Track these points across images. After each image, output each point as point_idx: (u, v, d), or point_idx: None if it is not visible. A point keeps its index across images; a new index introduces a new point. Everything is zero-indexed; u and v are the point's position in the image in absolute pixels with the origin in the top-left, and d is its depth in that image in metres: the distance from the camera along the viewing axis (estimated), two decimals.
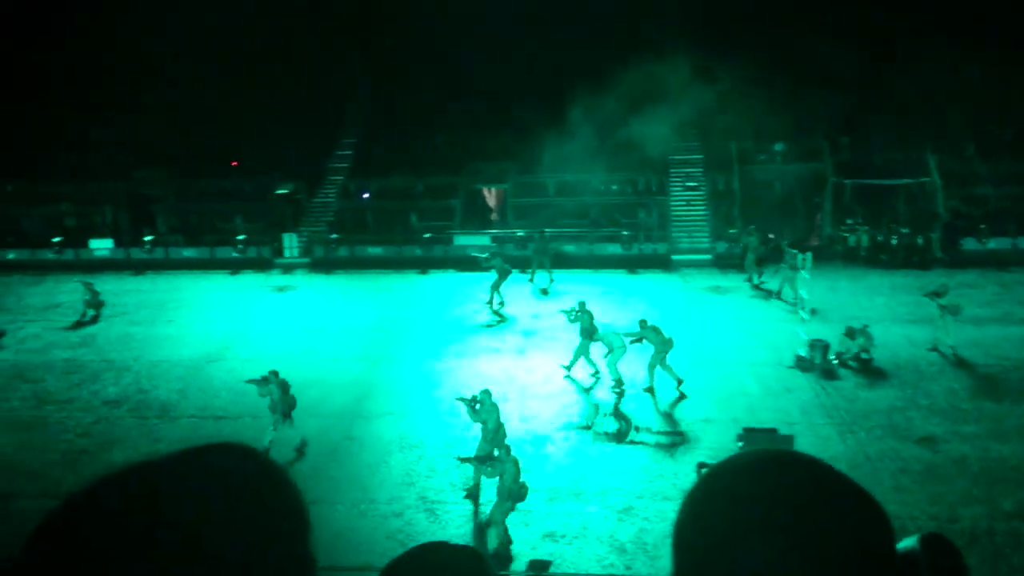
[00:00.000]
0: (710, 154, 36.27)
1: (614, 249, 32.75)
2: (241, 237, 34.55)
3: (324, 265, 33.06)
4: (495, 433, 14.99)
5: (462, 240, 33.47)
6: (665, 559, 12.28)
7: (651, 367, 19.23)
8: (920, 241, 31.40)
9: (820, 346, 20.27)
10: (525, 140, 34.20)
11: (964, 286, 26.01)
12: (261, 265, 33.56)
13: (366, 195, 36.50)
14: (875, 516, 1.12)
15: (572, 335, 23.46)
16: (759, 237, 29.44)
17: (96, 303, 26.65)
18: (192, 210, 37.04)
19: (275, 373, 16.89)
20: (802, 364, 20.21)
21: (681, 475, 15.14)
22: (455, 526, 14.11)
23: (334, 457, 16.39)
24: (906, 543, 1.15)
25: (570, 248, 32.32)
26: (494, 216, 37.29)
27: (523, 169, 35.85)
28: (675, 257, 32.35)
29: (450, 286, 29.75)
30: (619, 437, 17.06)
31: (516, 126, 34.95)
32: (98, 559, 0.98)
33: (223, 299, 28.77)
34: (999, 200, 32.98)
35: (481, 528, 13.86)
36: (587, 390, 19.76)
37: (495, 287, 26.55)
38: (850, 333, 20.50)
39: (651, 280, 30.08)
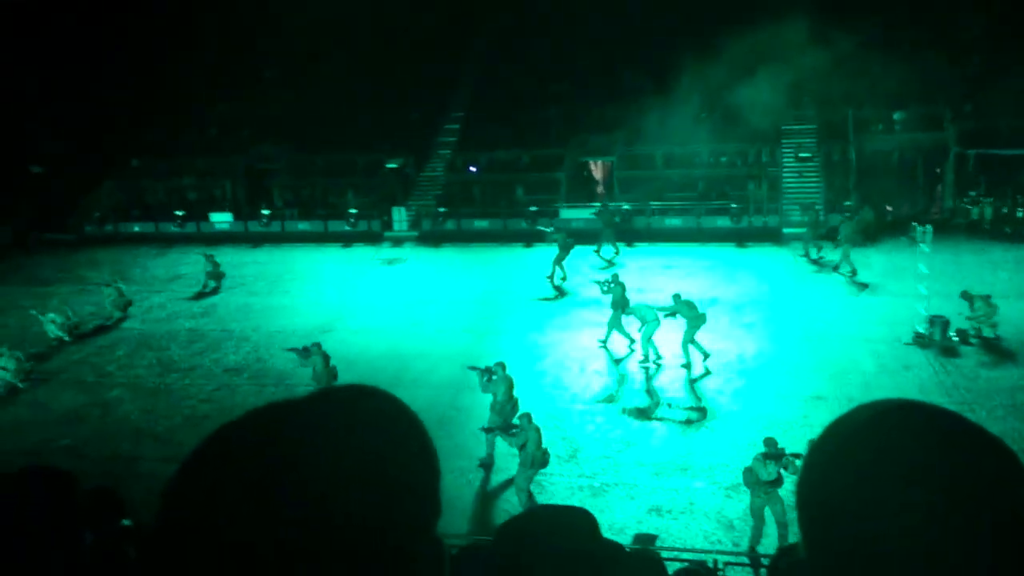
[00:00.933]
0: (824, 123, 35.02)
1: (723, 222, 32.13)
2: (352, 211, 35.40)
3: (432, 238, 33.58)
4: (503, 406, 15.07)
5: (568, 213, 33.41)
6: (772, 537, 12.11)
7: (685, 343, 19.02)
8: None
9: (940, 322, 19.49)
10: (632, 111, 33.80)
11: None
12: (371, 238, 34.32)
13: (473, 168, 36.79)
14: (1010, 463, 1.04)
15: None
16: (874, 208, 28.39)
17: (217, 275, 27.80)
18: (306, 184, 38.10)
19: (318, 345, 17.36)
20: (920, 341, 19.48)
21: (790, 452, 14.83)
22: (560, 498, 14.24)
23: (441, 426, 16.71)
24: None
25: (675, 221, 31.93)
26: (600, 189, 37.08)
27: (630, 141, 35.44)
28: (786, 231, 31.48)
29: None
30: (645, 413, 16.89)
31: (623, 97, 34.56)
32: (245, 488, 0.97)
33: (335, 271, 29.58)
34: None
35: (595, 495, 13.95)
36: (617, 362, 19.78)
37: (557, 261, 26.56)
38: (967, 296, 19.66)
39: (760, 254, 29.42)
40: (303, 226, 35.64)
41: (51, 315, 23.15)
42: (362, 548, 0.98)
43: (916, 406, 1.13)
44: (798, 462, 11.93)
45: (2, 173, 36.32)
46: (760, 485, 12.14)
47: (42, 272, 31.42)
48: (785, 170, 34.28)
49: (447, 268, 29.21)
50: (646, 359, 19.37)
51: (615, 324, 20.34)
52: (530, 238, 32.20)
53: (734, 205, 32.31)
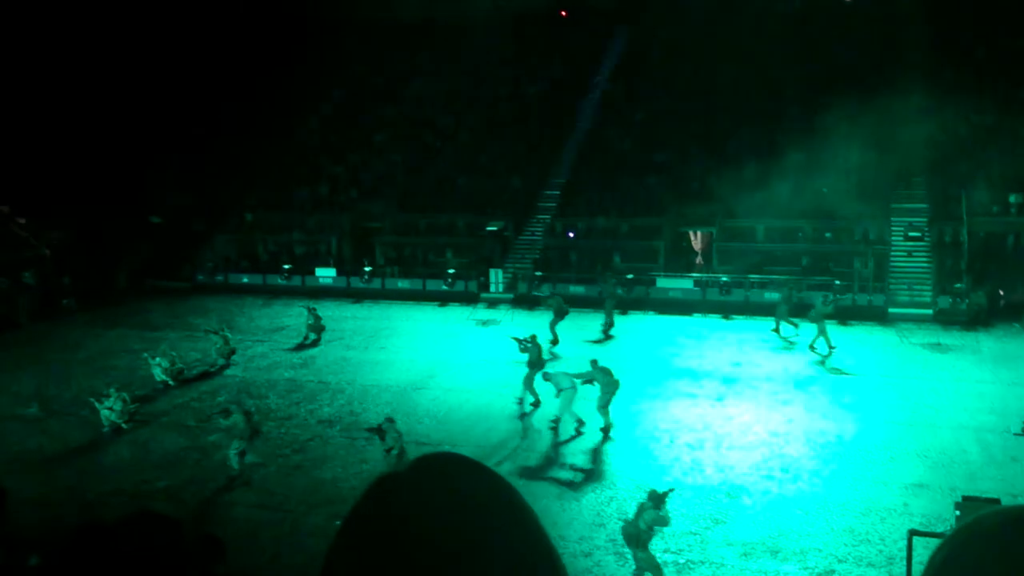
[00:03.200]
0: (936, 202, 34.01)
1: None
2: (451, 271, 35.99)
3: (527, 301, 33.79)
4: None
5: (665, 283, 33.21)
6: None
7: (600, 407, 19.20)
8: None
9: None
10: (734, 182, 33.55)
11: None
12: (467, 299, 34.76)
13: (571, 234, 37.04)
14: None
15: (772, 384, 22.73)
16: (987, 292, 27.32)
17: (318, 327, 28.56)
18: (408, 243, 39.00)
19: (391, 420, 17.47)
20: None
21: (889, 541, 14.18)
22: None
23: (527, 489, 16.59)
24: None
25: (774, 295, 31.36)
26: (699, 260, 36.77)
27: (730, 212, 35.15)
28: (892, 310, 30.49)
29: (649, 328, 29.59)
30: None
31: (726, 168, 34.39)
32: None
33: (431, 329, 30.02)
34: None
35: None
36: (520, 417, 20.66)
37: (552, 325, 27.34)
38: None
39: (863, 333, 28.57)
40: (402, 284, 36.39)
41: (158, 359, 24.13)
42: None
43: None
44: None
45: (124, 222, 38.36)
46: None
47: (154, 318, 32.86)
48: (893, 248, 33.36)
49: (541, 331, 29.23)
50: (556, 421, 19.73)
51: (528, 383, 21.21)
52: (625, 305, 32.08)
53: (838, 282, 31.50)
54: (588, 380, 19.47)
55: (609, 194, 37.63)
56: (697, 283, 32.82)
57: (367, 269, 37.09)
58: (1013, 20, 37.16)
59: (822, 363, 25.04)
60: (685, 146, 37.94)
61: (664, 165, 37.97)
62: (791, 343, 27.19)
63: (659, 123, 39.44)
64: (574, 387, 19.48)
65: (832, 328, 28.81)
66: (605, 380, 19.26)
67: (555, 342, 27.08)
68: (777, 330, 27.94)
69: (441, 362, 25.80)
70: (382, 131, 44.21)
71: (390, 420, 17.37)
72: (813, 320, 26.19)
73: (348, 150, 43.49)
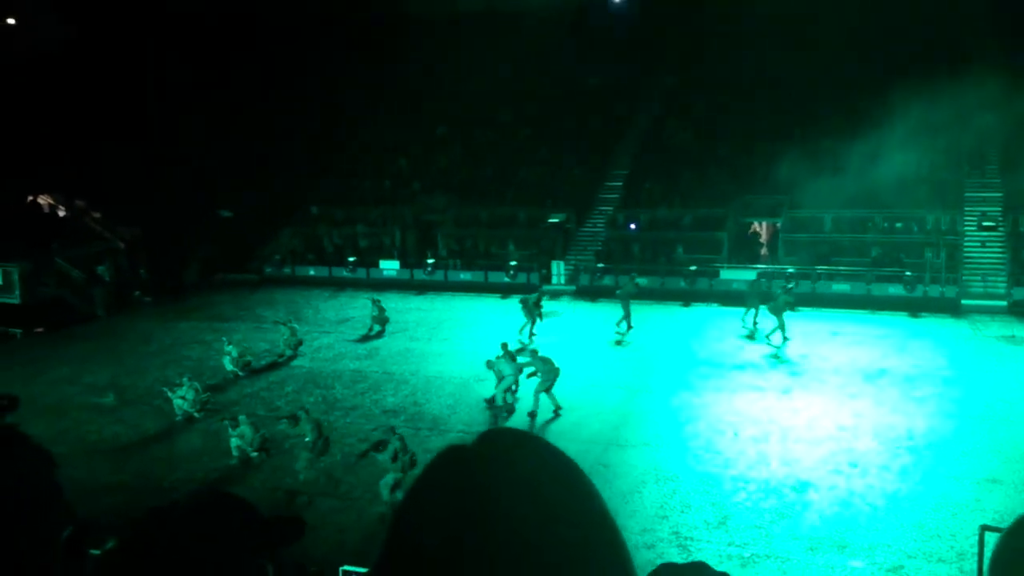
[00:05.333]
0: (1010, 192, 32.90)
1: (895, 290, 30.60)
2: (512, 263, 36.06)
3: (589, 293, 33.70)
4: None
5: (729, 274, 32.78)
6: None
7: (537, 392, 20.07)
8: None
9: None
10: (801, 172, 32.91)
11: None
12: (528, 290, 34.78)
13: (633, 226, 36.78)
14: None
15: (840, 377, 22.38)
16: None
17: (382, 319, 28.91)
18: (469, 235, 39.17)
19: (306, 410, 18.74)
20: None
21: (960, 536, 13.85)
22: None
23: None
24: None
25: (843, 287, 30.77)
26: (764, 251, 36.23)
27: (796, 203, 34.52)
28: (965, 302, 29.63)
29: (713, 320, 29.28)
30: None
31: (792, 157, 33.74)
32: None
33: (493, 321, 30.15)
34: None
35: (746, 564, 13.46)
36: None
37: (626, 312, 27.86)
38: None
39: (936, 325, 27.85)
40: (464, 276, 36.56)
41: (230, 347, 24.70)
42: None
43: None
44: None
45: (194, 216, 39.30)
46: None
47: (224, 310, 33.61)
48: (966, 239, 32.41)
49: (602, 323, 29.18)
50: (493, 402, 21.00)
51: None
52: (688, 297, 31.80)
53: (908, 273, 30.70)
54: (529, 370, 20.53)
55: (672, 185, 37.28)
56: (762, 275, 32.28)
57: (429, 261, 37.37)
58: None
59: (776, 356, 24.73)
60: (749, 136, 37.38)
61: (727, 158, 37.45)
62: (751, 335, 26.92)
63: (720, 113, 38.96)
64: (517, 375, 20.74)
65: (903, 319, 28.22)
66: (545, 368, 20.17)
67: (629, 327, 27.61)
68: (749, 322, 27.55)
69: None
70: (443, 123, 44.47)
71: (305, 410, 18.69)
72: (773, 311, 25.72)
73: (410, 143, 43.85)
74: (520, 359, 21.42)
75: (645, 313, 29.23)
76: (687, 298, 31.84)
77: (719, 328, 28.12)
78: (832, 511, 15.23)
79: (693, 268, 33.22)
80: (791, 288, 27.51)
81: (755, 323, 27.38)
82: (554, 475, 1.15)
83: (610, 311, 29.40)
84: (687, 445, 18.26)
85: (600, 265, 35.05)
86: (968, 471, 16.53)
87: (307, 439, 17.69)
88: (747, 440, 18.48)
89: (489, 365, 21.21)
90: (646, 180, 38.12)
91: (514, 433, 1.17)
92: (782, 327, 25.68)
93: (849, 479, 16.42)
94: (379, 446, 17.36)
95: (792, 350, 25.15)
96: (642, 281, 30.35)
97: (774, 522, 14.85)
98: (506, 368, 20.78)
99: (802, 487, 16.16)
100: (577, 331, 28.46)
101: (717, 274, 33.09)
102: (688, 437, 18.70)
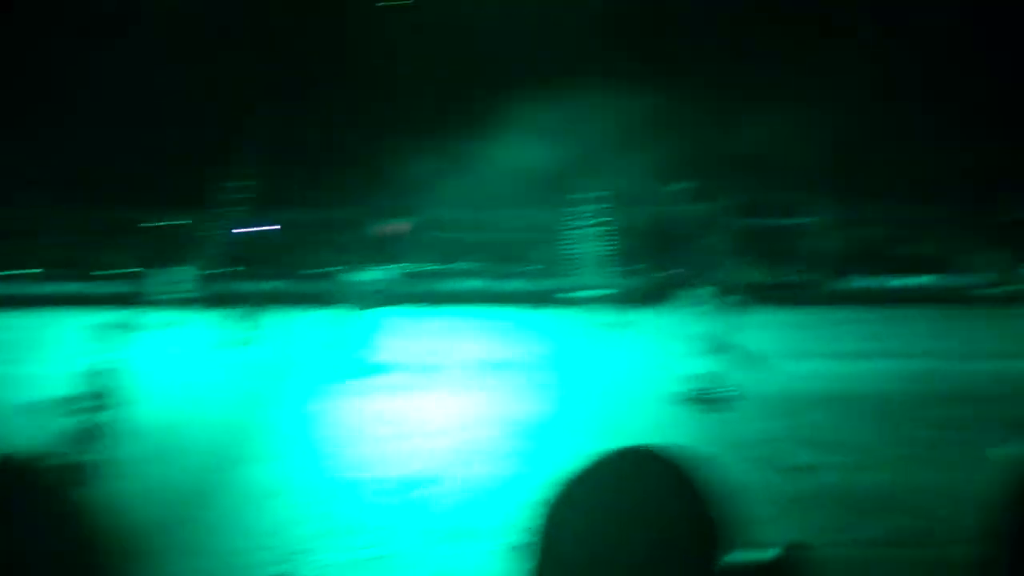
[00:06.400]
0: (621, 191, 36.00)
1: (519, 285, 32.18)
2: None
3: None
4: None
5: (356, 276, 32.24)
6: None
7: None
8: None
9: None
10: (433, 174, 33.29)
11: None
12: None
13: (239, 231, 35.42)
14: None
15: (464, 372, 22.72)
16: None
17: None
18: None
19: None
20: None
21: None
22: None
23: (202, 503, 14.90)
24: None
25: (475, 283, 31.63)
26: (395, 252, 36.25)
27: (428, 203, 34.98)
28: (579, 294, 31.92)
29: (342, 323, 28.58)
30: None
31: (425, 160, 34.03)
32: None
33: None
34: None
35: None
36: None
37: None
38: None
39: (554, 316, 29.48)
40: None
41: None
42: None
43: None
44: None
45: None
46: None
47: None
48: (581, 234, 35.01)
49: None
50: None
51: None
52: (313, 300, 30.85)
53: (530, 268, 32.49)
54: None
55: (302, 185, 36.25)
56: (393, 275, 32.14)
57: None
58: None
59: (403, 355, 25.12)
60: (376, 135, 37.32)
61: (357, 155, 37.11)
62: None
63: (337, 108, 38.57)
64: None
65: (524, 313, 29.54)
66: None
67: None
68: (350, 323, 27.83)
69: None
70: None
71: None
72: (370, 309, 26.24)
73: None
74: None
75: (275, 320, 27.90)
76: (314, 301, 30.88)
77: (347, 331, 27.44)
78: (460, 500, 14.95)
79: (321, 271, 32.37)
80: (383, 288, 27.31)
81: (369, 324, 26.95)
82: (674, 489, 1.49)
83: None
84: (314, 454, 17.21)
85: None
86: (581, 449, 17.10)
87: None
88: (375, 440, 17.86)
89: None
90: (279, 177, 36.79)
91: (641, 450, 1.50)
92: (382, 326, 25.42)
93: (474, 468, 16.32)
94: None
95: (419, 348, 25.25)
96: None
97: (404, 519, 14.23)
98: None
99: (429, 481, 15.73)
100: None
101: (345, 275, 32.39)
102: (313, 446, 17.66)
